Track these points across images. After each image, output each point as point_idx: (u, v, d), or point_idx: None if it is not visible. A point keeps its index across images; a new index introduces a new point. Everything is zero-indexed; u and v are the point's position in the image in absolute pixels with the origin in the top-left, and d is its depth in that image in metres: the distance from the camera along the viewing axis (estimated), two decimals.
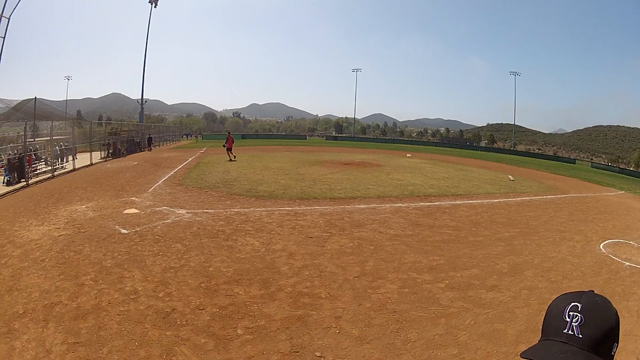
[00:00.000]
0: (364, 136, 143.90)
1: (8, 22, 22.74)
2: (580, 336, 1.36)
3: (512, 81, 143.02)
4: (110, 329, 7.18)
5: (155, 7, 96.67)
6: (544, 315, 1.52)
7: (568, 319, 1.40)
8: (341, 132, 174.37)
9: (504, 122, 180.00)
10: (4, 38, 22.88)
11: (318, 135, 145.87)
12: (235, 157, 38.41)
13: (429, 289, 8.37)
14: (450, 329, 6.79)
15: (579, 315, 1.39)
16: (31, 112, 27.73)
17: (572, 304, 1.43)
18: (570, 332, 1.38)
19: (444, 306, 7.57)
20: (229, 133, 42.76)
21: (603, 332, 1.37)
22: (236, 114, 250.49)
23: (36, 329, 7.27)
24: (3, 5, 21.89)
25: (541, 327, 1.52)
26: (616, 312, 1.45)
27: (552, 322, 1.45)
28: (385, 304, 7.78)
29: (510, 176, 28.66)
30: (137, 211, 16.08)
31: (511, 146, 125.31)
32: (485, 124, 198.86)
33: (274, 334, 6.88)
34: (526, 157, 72.91)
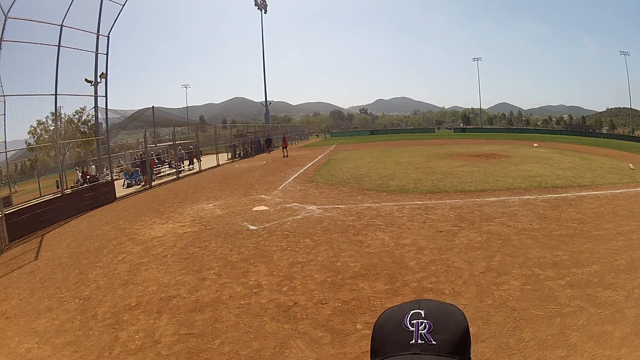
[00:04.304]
0: (491, 127, 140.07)
1: (108, 40, 23.77)
2: (434, 342, 1.11)
3: (623, 61, 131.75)
4: (226, 321, 7.35)
5: (265, 13, 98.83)
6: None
7: (412, 328, 1.14)
8: (468, 123, 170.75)
9: (621, 106, 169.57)
10: (106, 55, 23.93)
11: (446, 128, 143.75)
12: (287, 155, 42.92)
13: (550, 286, 7.96)
14: (564, 329, 6.39)
15: (425, 321, 1.14)
16: (149, 120, 29.11)
17: (412, 312, 1.17)
18: (420, 341, 1.11)
19: (562, 305, 7.15)
20: (284, 135, 50.99)
21: (459, 334, 1.14)
22: (363, 110, 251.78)
23: (147, 320, 7.61)
24: (98, 25, 22.87)
25: (370, 350, 1.21)
26: (462, 312, 1.21)
27: (391, 337, 1.17)
28: (506, 301, 7.46)
29: (630, 164, 26.96)
30: (266, 208, 16.47)
31: (629, 132, 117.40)
32: (604, 109, 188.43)
33: None
34: None
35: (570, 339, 6.14)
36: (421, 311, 1.16)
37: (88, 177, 26.62)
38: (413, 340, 1.11)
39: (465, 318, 1.19)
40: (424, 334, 1.11)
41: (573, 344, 6.02)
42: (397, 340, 1.14)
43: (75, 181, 25.20)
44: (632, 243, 10.31)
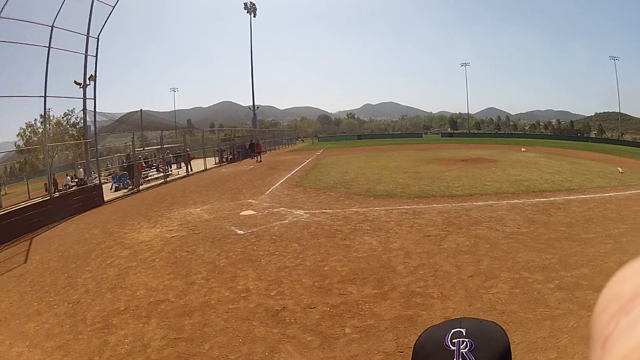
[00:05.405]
0: (479, 131, 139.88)
1: (97, 41, 23.63)
2: None
3: (613, 66, 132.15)
4: (215, 325, 7.36)
5: (254, 16, 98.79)
6: None
7: (453, 347, 1.12)
8: (456, 128, 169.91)
9: (609, 111, 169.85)
10: (96, 57, 23.79)
11: (433, 133, 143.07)
12: (261, 160, 43.18)
13: (539, 290, 8.02)
14: (554, 331, 6.45)
15: (466, 340, 1.12)
16: (137, 123, 29.06)
17: (453, 331, 1.16)
18: None
19: (551, 308, 7.21)
20: (259, 141, 51.58)
21: (500, 352, 1.12)
22: (350, 115, 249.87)
23: (136, 324, 7.61)
24: (88, 26, 22.76)
25: None
26: (504, 329, 1.20)
27: (431, 357, 1.15)
28: (495, 304, 7.51)
29: (619, 168, 27.21)
30: (254, 213, 16.47)
31: (618, 136, 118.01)
32: (593, 114, 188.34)
33: (381, 334, 6.77)
34: (633, 148, 67.71)
35: (560, 341, 6.19)
36: (462, 330, 1.15)
37: (76, 180, 26.51)
38: None
39: (506, 335, 1.17)
40: (466, 353, 1.10)
41: (563, 346, 6.07)
42: None
43: (45, 189, 24.97)
44: (622, 246, 10.41)
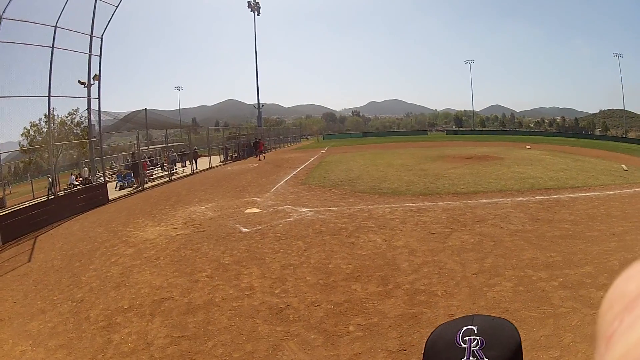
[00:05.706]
0: (484, 129, 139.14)
1: (101, 41, 23.65)
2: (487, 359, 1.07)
3: (617, 63, 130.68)
4: (219, 323, 7.36)
5: (258, 15, 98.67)
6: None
7: (465, 345, 1.10)
8: (461, 125, 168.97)
9: (614, 108, 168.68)
10: (100, 56, 23.80)
11: (438, 130, 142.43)
12: (264, 157, 43.35)
13: (542, 288, 7.99)
14: (557, 329, 6.42)
15: (477, 338, 1.10)
16: (141, 122, 29.00)
17: (464, 328, 1.14)
18: (472, 358, 1.07)
19: (555, 306, 7.18)
20: (260, 139, 52.31)
21: (511, 350, 1.09)
22: (355, 112, 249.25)
23: (140, 323, 7.61)
24: (91, 26, 22.75)
25: None
26: (515, 327, 1.16)
27: (442, 354, 1.13)
28: (499, 302, 7.48)
29: (623, 166, 27.09)
30: (258, 210, 16.45)
31: (622, 134, 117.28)
32: (597, 111, 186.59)
33: (385, 332, 6.75)
34: (637, 145, 66.92)
35: (563, 339, 6.16)
36: (474, 327, 1.14)
37: (81, 179, 26.53)
38: (465, 358, 1.08)
39: (518, 332, 1.15)
40: (476, 351, 1.08)
41: (566, 344, 6.05)
42: (448, 358, 1.11)
43: (47, 190, 24.99)
44: (625, 244, 10.36)
